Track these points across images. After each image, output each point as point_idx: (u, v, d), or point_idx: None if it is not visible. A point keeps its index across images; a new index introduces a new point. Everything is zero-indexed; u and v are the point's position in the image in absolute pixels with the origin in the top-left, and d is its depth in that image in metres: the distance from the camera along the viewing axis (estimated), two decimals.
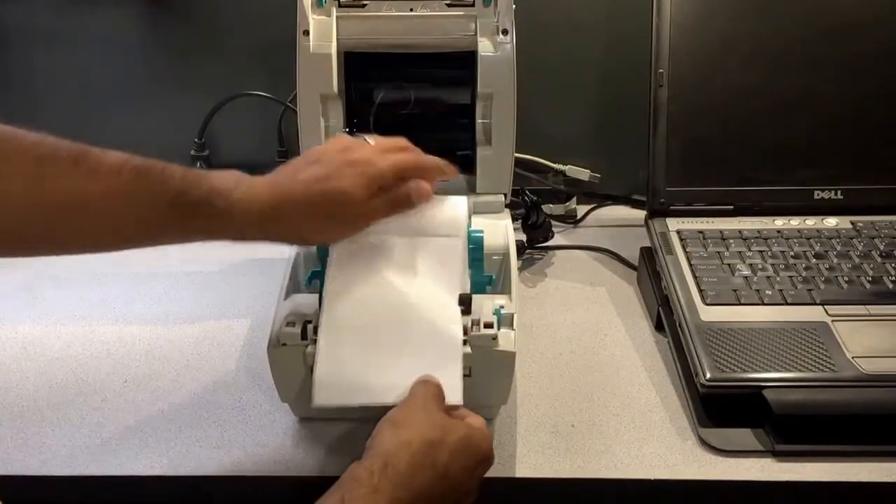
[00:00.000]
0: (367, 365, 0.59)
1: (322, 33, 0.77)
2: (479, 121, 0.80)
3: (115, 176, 0.52)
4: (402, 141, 0.64)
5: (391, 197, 0.60)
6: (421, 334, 0.61)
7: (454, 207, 0.67)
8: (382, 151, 0.61)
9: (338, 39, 0.78)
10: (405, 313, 0.61)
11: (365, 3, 0.79)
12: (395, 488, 0.50)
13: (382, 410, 0.56)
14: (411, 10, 0.79)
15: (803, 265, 0.75)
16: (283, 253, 0.73)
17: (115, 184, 0.52)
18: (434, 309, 0.61)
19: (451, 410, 0.57)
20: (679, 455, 0.63)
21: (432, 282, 0.63)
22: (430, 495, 0.52)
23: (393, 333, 0.60)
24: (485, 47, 0.77)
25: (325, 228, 0.59)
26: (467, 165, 0.82)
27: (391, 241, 0.64)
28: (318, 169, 0.58)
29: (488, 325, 0.60)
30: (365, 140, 0.62)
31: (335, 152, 0.60)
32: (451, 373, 0.58)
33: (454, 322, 0.60)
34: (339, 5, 0.79)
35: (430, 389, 0.57)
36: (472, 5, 0.78)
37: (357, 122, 0.83)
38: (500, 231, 0.75)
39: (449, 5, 0.79)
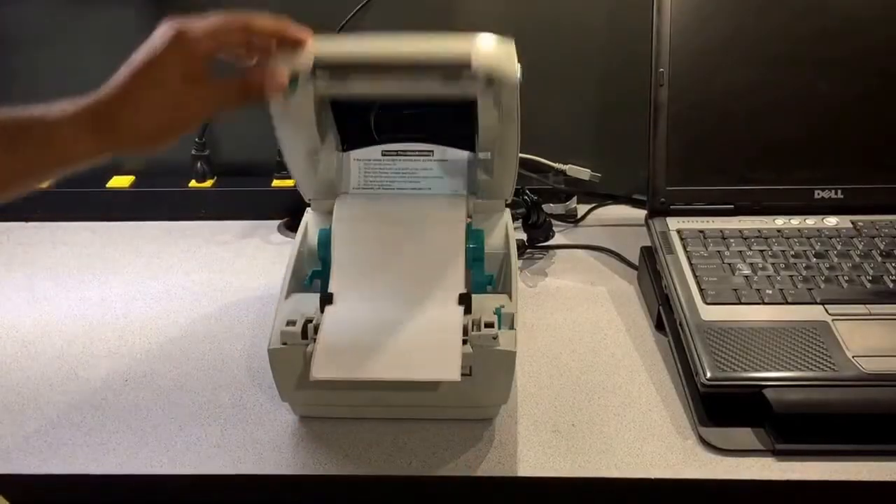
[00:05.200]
0: (366, 340, 0.59)
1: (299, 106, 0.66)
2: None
3: None
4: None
5: (233, 82, 0.58)
6: (422, 311, 0.61)
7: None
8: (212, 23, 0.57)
9: (318, 98, 0.66)
10: (407, 293, 0.62)
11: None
12: None
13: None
14: None
15: (804, 264, 0.75)
16: (284, 254, 0.73)
17: None
18: (436, 288, 0.62)
19: None
20: (679, 454, 0.63)
21: (435, 256, 0.64)
22: None
23: (395, 311, 0.61)
24: None
25: (148, 121, 0.56)
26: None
27: (393, 219, 0.66)
28: (143, 52, 0.56)
29: (489, 325, 0.60)
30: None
31: (167, 25, 0.58)
32: (449, 350, 0.58)
33: (455, 301, 0.61)
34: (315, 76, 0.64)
35: None
36: None
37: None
38: (501, 231, 0.75)
39: None
